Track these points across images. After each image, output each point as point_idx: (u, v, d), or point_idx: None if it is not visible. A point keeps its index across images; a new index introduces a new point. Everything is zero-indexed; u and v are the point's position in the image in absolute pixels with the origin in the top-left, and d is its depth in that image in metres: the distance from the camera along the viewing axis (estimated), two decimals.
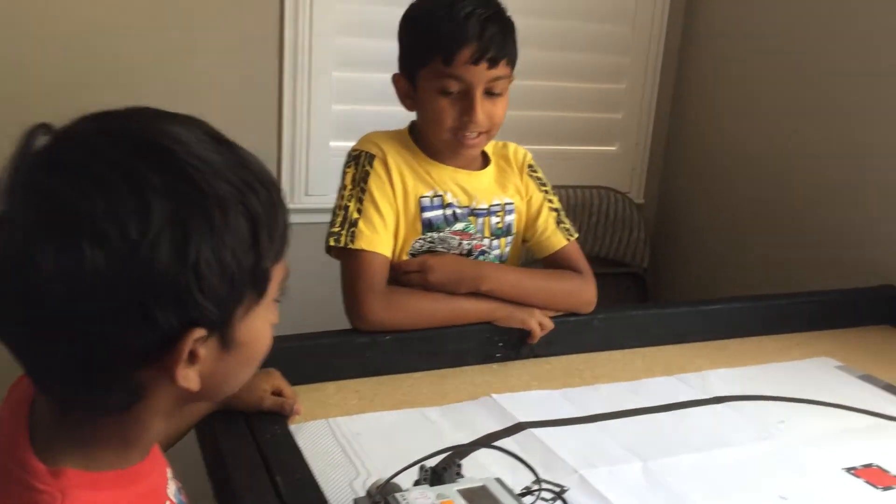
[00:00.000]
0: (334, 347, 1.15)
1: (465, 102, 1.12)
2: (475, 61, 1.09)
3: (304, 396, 1.06)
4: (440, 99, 1.12)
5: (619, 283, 2.24)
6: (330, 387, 1.11)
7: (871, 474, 0.96)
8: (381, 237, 1.14)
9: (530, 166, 1.29)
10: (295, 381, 1.09)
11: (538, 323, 1.20)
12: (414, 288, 1.16)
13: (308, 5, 1.74)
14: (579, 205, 2.11)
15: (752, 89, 1.95)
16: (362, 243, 1.13)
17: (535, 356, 1.25)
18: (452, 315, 1.17)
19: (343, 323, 1.16)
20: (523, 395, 1.12)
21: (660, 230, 2.27)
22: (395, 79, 1.19)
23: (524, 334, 1.22)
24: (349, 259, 1.14)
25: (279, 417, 0.96)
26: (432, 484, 0.75)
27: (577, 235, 1.30)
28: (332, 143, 1.85)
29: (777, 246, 1.89)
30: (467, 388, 1.14)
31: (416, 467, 0.78)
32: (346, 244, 1.13)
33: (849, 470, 0.97)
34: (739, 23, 1.99)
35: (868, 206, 1.67)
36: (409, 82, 1.16)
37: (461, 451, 0.94)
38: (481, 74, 1.10)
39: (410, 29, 1.16)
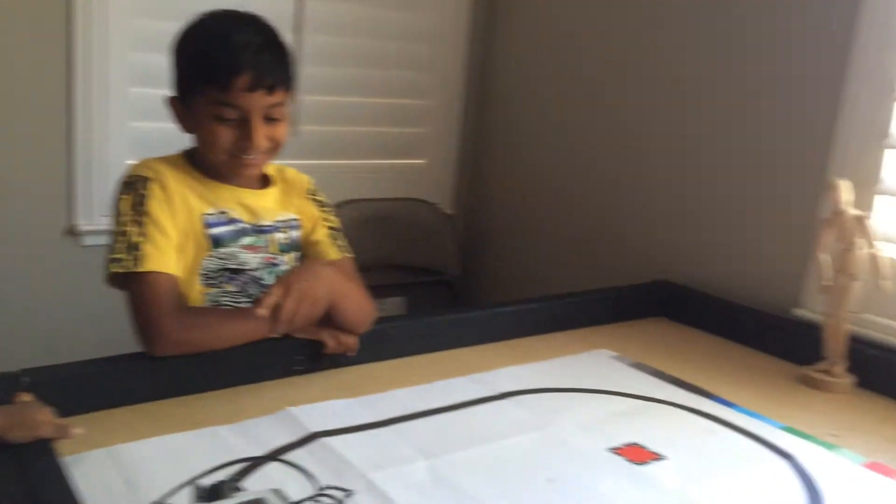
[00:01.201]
0: (126, 371, 1.12)
1: (244, 129, 1.13)
2: (251, 89, 1.11)
3: (92, 425, 1.02)
4: (217, 125, 1.13)
5: (432, 292, 2.32)
6: (120, 413, 1.08)
7: (632, 452, 1.07)
8: (167, 257, 1.13)
9: (310, 191, 1.32)
10: (85, 408, 1.07)
11: (332, 337, 1.23)
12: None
13: (100, 21, 1.69)
14: (390, 217, 2.17)
15: (547, 101, 2.10)
16: (150, 265, 1.11)
17: (336, 367, 1.28)
18: (244, 333, 1.16)
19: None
20: (320, 405, 1.15)
21: (471, 238, 2.38)
22: (172, 102, 1.18)
23: (322, 346, 1.25)
24: (137, 284, 1.12)
25: (51, 450, 0.92)
26: (209, 501, 0.76)
27: (351, 255, 1.34)
28: (130, 162, 1.79)
29: (574, 248, 2.04)
30: (264, 403, 1.15)
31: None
32: (131, 269, 1.11)
33: (612, 449, 1.08)
34: (537, 37, 2.13)
35: (647, 207, 1.84)
36: (185, 106, 1.16)
37: (245, 466, 0.95)
38: (259, 101, 1.12)
39: (185, 55, 1.16)
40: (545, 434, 1.11)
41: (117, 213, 1.15)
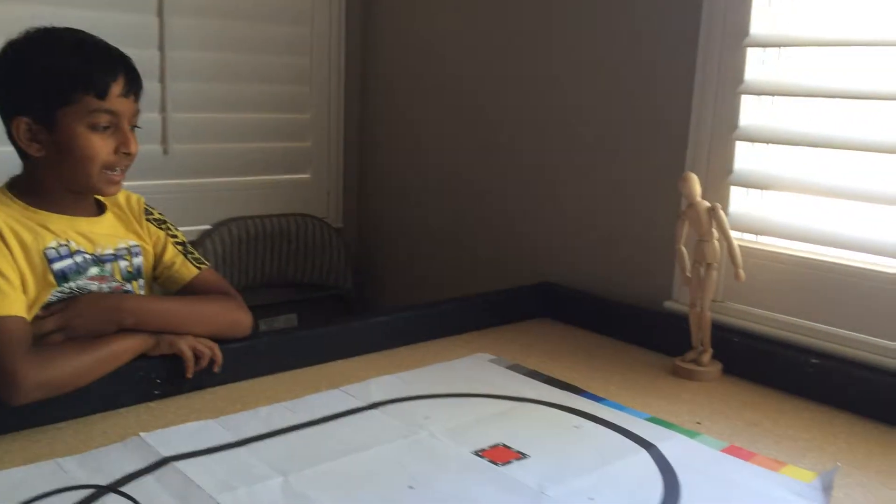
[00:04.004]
0: None
1: (118, 135, 1.12)
2: (125, 94, 1.12)
3: None
4: (91, 135, 1.11)
5: (325, 306, 2.29)
6: None
7: (496, 453, 1.07)
8: (11, 299, 1.06)
9: (146, 210, 1.28)
10: None
11: (190, 347, 1.18)
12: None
13: None
14: (277, 233, 2.13)
15: (422, 110, 2.10)
16: None
17: (200, 388, 1.23)
18: (103, 361, 1.11)
19: None
20: (175, 429, 1.10)
21: (361, 251, 2.36)
22: (16, 124, 1.12)
23: (182, 368, 1.20)
24: None
25: None
26: None
27: (208, 264, 1.31)
28: None
29: (462, 254, 2.04)
30: (117, 430, 1.10)
31: None
32: None
33: (476, 452, 1.07)
34: (409, 48, 2.13)
35: (526, 210, 1.86)
36: (41, 125, 1.11)
37: (87, 495, 0.90)
38: (129, 107, 1.13)
39: (39, 72, 1.10)
40: (410, 442, 1.09)
41: None
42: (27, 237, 1.11)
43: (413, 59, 2.12)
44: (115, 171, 1.15)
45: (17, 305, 1.07)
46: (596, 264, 1.71)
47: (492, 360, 1.43)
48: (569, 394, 1.28)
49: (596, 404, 1.24)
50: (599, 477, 1.02)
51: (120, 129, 1.13)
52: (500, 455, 1.06)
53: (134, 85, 1.14)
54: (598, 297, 1.66)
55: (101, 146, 1.11)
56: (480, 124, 1.95)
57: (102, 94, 1.10)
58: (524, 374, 1.37)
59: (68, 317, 1.11)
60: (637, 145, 1.60)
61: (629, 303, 1.61)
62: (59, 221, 1.14)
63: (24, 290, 1.10)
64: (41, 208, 1.14)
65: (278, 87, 2.11)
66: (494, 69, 1.89)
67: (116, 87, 1.11)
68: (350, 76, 2.23)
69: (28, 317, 1.09)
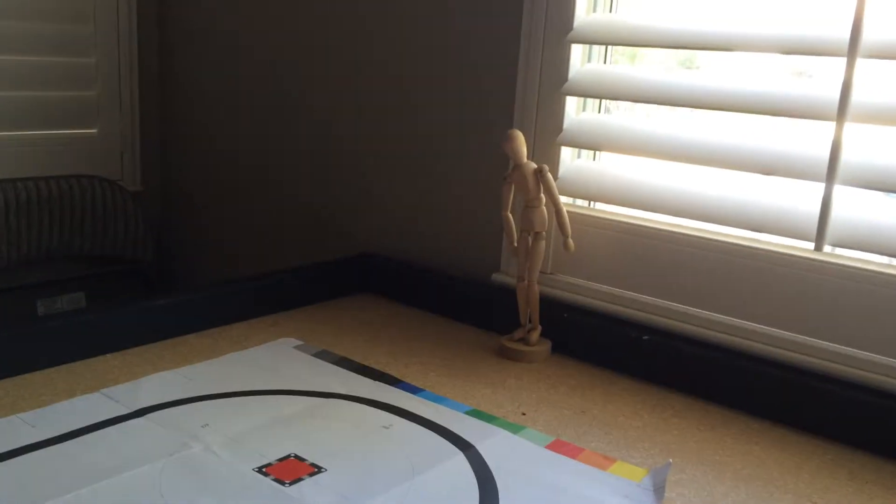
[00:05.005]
0: None
1: None
2: None
3: None
4: None
5: (121, 283, 1.99)
6: None
7: (284, 468, 0.88)
8: None
9: None
10: None
11: None
12: None
13: None
14: (55, 198, 1.80)
15: (226, 62, 1.84)
16: None
17: None
18: None
19: None
20: None
21: (164, 219, 2.08)
22: None
23: None
24: None
25: None
26: None
27: None
28: None
29: (278, 225, 1.82)
30: None
31: None
32: None
33: (261, 469, 0.87)
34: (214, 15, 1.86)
35: (344, 175, 1.66)
36: None
37: None
38: None
39: None
40: (181, 458, 0.89)
41: None
42: None
43: (218, 21, 1.85)
44: None
45: None
46: (420, 234, 1.55)
47: (297, 347, 1.24)
48: (382, 385, 1.12)
49: (411, 397, 1.08)
50: (408, 490, 0.86)
51: None
52: (289, 471, 0.88)
53: None
54: (423, 269, 1.51)
55: None
56: (293, 83, 1.73)
57: None
58: (332, 363, 1.18)
59: None
60: (460, 100, 1.44)
61: (456, 275, 1.46)
62: None
63: None
64: None
65: (57, 25, 1.78)
66: (301, 20, 1.67)
67: None
68: (143, 10, 1.93)
69: None
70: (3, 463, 0.86)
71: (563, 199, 1.20)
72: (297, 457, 0.91)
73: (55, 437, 0.92)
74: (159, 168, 2.06)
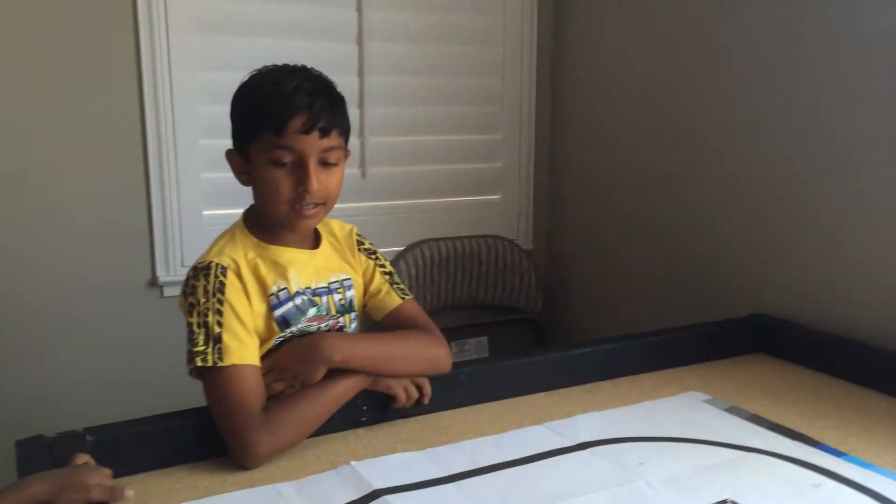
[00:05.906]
0: (187, 427, 1.10)
1: (300, 172, 1.10)
2: (306, 131, 1.09)
3: (153, 483, 1.03)
4: (274, 171, 1.11)
5: (515, 329, 2.24)
6: (180, 471, 1.06)
7: None
8: (248, 348, 1.09)
9: (358, 241, 1.28)
10: (145, 466, 1.06)
11: (403, 389, 1.18)
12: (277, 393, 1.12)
13: (166, 72, 1.73)
14: (468, 254, 2.12)
15: (621, 126, 2.01)
16: (232, 358, 1.07)
17: (404, 417, 1.23)
18: (328, 407, 1.13)
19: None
20: (384, 459, 1.09)
21: (552, 274, 2.30)
22: (229, 155, 1.16)
23: (388, 396, 1.19)
24: (219, 378, 1.07)
25: None
26: None
27: (411, 296, 1.28)
28: (206, 212, 1.81)
29: (661, 281, 1.92)
30: (328, 457, 1.11)
31: None
32: (214, 363, 1.06)
33: None
34: (604, 63, 2.05)
35: (736, 234, 1.72)
36: (242, 157, 1.15)
37: None
38: (313, 144, 1.10)
39: (241, 104, 1.14)
40: (626, 490, 1.01)
41: (193, 301, 1.11)
42: (268, 277, 1.14)
43: (604, 75, 2.04)
44: (307, 205, 1.12)
45: (254, 355, 1.10)
46: (819, 295, 1.54)
47: (707, 401, 1.31)
48: (802, 445, 1.15)
49: (836, 459, 1.10)
50: None
51: (303, 166, 1.11)
52: None
53: (321, 122, 1.10)
54: (823, 332, 1.50)
55: (282, 181, 1.11)
56: (681, 137, 1.83)
57: (279, 131, 1.09)
58: (746, 420, 1.24)
59: (278, 367, 1.13)
60: (856, 152, 1.42)
61: (856, 338, 1.43)
62: (284, 254, 1.16)
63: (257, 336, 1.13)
64: (268, 242, 1.16)
65: (471, 109, 2.11)
66: (697, 72, 1.77)
67: (295, 124, 1.08)
68: (541, 93, 2.19)
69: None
70: (482, 476, 1.05)
71: None
72: (733, 502, 0.98)
73: (517, 459, 1.10)
74: (547, 228, 2.29)
